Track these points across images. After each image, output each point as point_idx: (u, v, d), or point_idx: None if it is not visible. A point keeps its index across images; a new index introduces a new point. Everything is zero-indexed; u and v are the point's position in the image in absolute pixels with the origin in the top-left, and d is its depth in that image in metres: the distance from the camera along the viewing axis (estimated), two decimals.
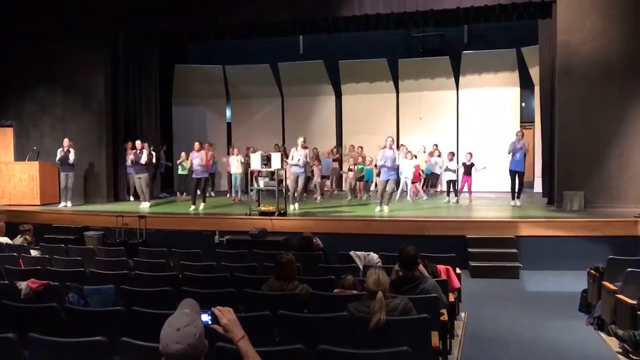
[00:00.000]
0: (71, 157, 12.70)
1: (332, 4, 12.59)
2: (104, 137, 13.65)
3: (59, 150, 12.77)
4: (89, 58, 13.63)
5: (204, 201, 12.39)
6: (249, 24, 13.35)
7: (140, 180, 12.74)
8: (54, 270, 6.49)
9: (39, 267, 6.46)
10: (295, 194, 11.93)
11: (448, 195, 13.12)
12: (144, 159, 12.62)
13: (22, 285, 5.40)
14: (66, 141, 12.76)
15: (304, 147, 11.85)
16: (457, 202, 12.85)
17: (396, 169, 11.37)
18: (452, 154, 13.44)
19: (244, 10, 12.82)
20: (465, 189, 12.98)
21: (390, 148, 11.17)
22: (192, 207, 12.16)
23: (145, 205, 12.62)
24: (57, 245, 8.62)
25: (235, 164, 14.26)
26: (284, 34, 14.70)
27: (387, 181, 11.24)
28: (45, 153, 13.64)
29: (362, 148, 14.64)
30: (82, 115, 13.83)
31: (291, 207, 11.77)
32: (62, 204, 12.88)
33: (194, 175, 12.42)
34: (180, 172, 14.84)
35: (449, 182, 13.23)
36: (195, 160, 12.24)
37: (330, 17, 12.94)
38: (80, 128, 13.70)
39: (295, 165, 11.71)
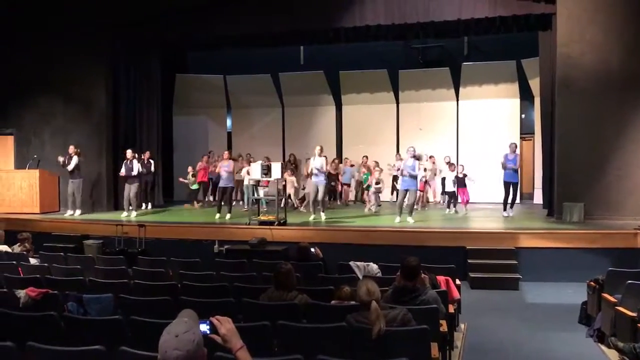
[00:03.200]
0: (72, 164, 12.42)
1: (333, 15, 12.67)
2: (104, 146, 13.66)
3: (63, 157, 12.49)
4: (90, 68, 13.69)
5: (229, 211, 12.24)
6: (249, 34, 13.41)
7: (130, 189, 12.48)
8: (53, 278, 6.48)
9: (38, 276, 6.44)
10: (317, 204, 11.70)
11: (448, 206, 13.18)
12: (135, 170, 12.46)
13: (21, 293, 5.39)
14: (71, 148, 12.56)
15: (321, 155, 11.66)
16: (457, 212, 12.93)
17: (415, 179, 11.18)
18: (452, 164, 13.47)
19: (245, 21, 12.91)
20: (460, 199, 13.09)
21: (412, 157, 11.14)
22: (218, 215, 12.13)
23: (132, 215, 12.41)
24: (56, 253, 8.61)
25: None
26: (285, 44, 14.79)
27: (406, 191, 11.18)
28: (45, 161, 13.65)
29: (367, 158, 15.02)
30: (83, 125, 13.84)
31: (311, 217, 11.58)
32: (69, 212, 12.70)
33: (220, 184, 12.43)
34: (193, 187, 14.80)
35: (447, 193, 13.25)
36: (223, 168, 12.25)
37: (331, 28, 13.03)
38: (81, 137, 13.68)
39: (315, 174, 11.49)
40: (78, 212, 12.64)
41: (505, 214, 11.99)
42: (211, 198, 15.54)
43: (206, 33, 13.54)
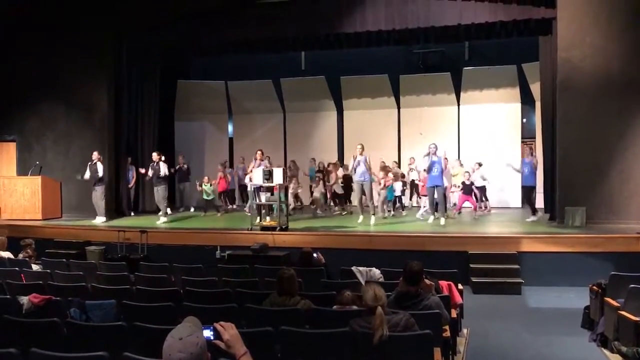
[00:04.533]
0: (99, 170, 12.52)
1: (334, 21, 12.71)
2: (107, 152, 13.63)
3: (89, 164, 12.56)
4: (92, 73, 13.69)
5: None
6: (251, 40, 13.45)
7: (158, 192, 12.61)
8: (55, 285, 6.49)
9: (40, 282, 6.45)
10: (370, 205, 11.53)
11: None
12: (162, 171, 12.59)
13: (24, 299, 5.39)
14: (95, 154, 12.59)
15: (362, 154, 11.38)
16: (453, 216, 12.90)
17: (441, 176, 11.17)
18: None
19: (246, 26, 12.95)
20: (467, 204, 13.03)
21: (435, 155, 11.14)
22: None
23: (162, 220, 12.55)
24: (58, 259, 8.62)
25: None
26: (286, 49, 14.81)
27: (434, 188, 11.14)
28: (47, 168, 13.67)
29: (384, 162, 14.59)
30: (84, 130, 13.84)
31: (372, 220, 11.41)
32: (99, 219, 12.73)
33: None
34: (205, 197, 14.29)
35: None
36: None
37: (332, 34, 13.07)
38: (83, 143, 13.70)
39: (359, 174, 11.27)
40: (103, 219, 12.70)
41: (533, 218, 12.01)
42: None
43: (208, 39, 13.60)
